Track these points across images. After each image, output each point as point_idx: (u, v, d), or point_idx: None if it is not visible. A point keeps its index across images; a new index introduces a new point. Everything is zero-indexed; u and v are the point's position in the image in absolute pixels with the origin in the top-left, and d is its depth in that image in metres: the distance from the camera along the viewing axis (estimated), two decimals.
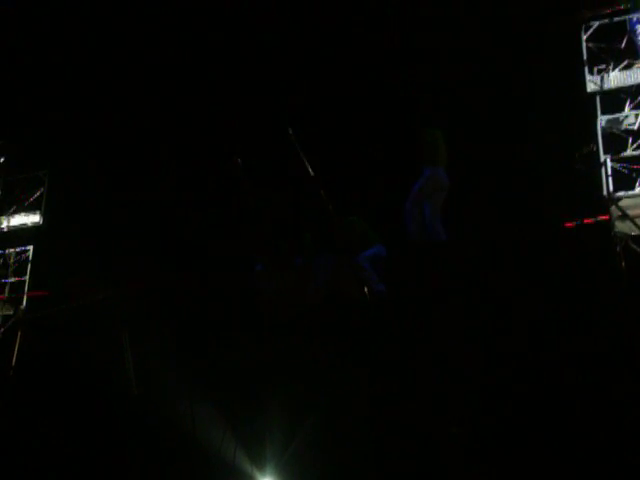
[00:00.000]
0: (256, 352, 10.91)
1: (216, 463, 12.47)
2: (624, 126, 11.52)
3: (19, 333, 13.09)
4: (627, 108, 11.51)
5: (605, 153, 11.32)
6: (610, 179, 11.21)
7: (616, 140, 11.48)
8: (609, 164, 11.24)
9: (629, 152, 11.35)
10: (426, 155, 12.02)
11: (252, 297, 11.64)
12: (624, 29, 11.72)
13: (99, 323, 13.23)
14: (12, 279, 13.08)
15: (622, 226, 11.27)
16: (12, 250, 13.19)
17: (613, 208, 11.18)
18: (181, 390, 12.80)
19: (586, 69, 11.68)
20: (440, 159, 11.99)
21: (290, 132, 12.04)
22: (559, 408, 11.13)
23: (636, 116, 11.44)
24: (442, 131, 12.11)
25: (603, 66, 11.63)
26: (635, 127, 11.42)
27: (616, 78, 11.54)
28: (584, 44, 11.78)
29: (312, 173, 12.03)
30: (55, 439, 12.92)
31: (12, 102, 13.72)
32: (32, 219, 13.21)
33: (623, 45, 11.64)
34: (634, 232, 11.23)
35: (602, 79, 11.57)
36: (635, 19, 11.61)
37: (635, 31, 11.59)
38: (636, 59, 11.55)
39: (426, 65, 12.75)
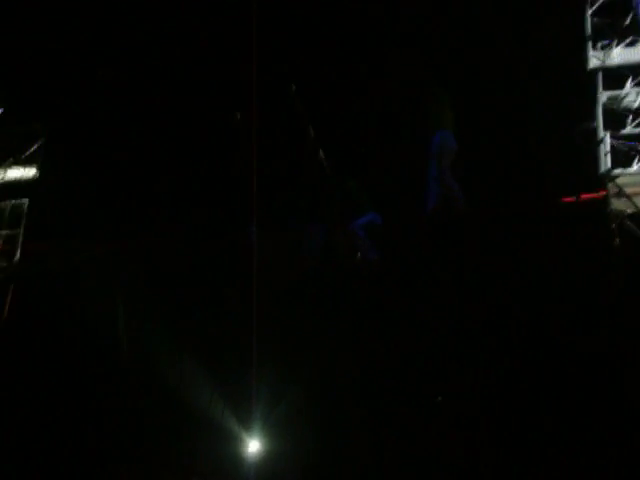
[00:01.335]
0: (247, 314, 10.90)
1: (204, 422, 12.55)
2: (624, 104, 11.48)
3: (11, 286, 13.05)
4: (629, 85, 11.46)
5: (604, 130, 11.28)
6: (608, 156, 11.18)
7: (616, 117, 11.45)
8: (608, 141, 11.21)
9: (629, 130, 11.31)
10: (433, 118, 11.93)
11: (245, 258, 11.62)
12: (630, 5, 11.64)
13: (93, 279, 13.23)
14: (6, 231, 13.02)
15: (618, 204, 11.25)
16: (7, 202, 13.13)
17: (610, 185, 11.16)
18: (171, 349, 12.86)
19: (589, 44, 11.61)
20: (446, 122, 11.91)
21: (293, 88, 11.99)
22: (545, 382, 11.22)
23: (637, 94, 11.39)
24: (449, 95, 12.05)
25: (607, 42, 11.56)
26: (635, 105, 11.38)
27: (619, 54, 11.47)
28: (588, 19, 11.72)
29: (312, 133, 12.01)
30: (44, 394, 12.97)
31: (9, 54, 13.60)
32: (28, 172, 13.15)
33: (628, 22, 11.56)
34: (630, 210, 11.21)
35: (605, 55, 11.51)
36: None
37: (639, 9, 11.52)
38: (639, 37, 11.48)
39: (426, 36, 12.67)
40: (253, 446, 12.08)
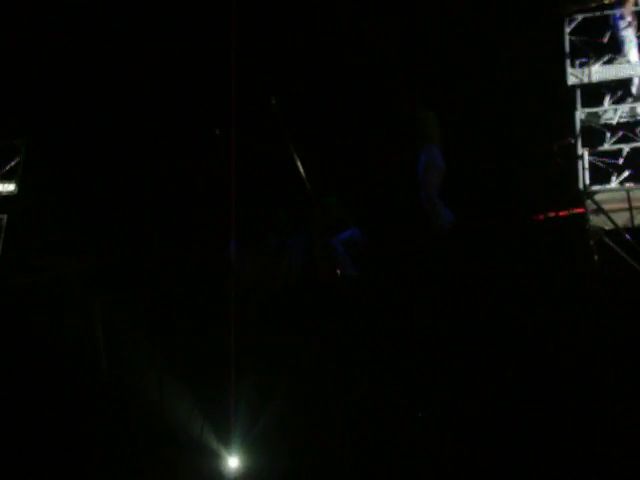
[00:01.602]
0: (226, 330, 10.88)
1: (183, 438, 12.51)
2: (603, 120, 11.56)
3: None
4: (607, 103, 11.54)
5: (583, 147, 11.35)
6: (587, 172, 11.24)
7: (594, 134, 11.52)
8: (586, 158, 11.27)
9: (607, 146, 11.38)
10: (419, 135, 11.98)
11: (225, 275, 11.61)
12: (607, 24, 11.73)
13: (72, 294, 13.19)
14: None
15: (597, 220, 11.32)
16: None
17: (588, 202, 11.22)
18: (150, 364, 12.82)
19: (568, 62, 11.69)
20: (433, 138, 11.95)
21: (273, 102, 11.98)
22: (528, 391, 11.26)
23: (615, 111, 11.47)
24: (435, 112, 12.10)
25: (585, 59, 11.64)
26: (614, 122, 11.45)
27: (598, 72, 11.55)
28: (567, 37, 11.79)
29: (293, 148, 12.00)
30: (22, 409, 12.90)
31: None
32: (7, 188, 13.10)
33: (606, 40, 11.65)
34: (608, 226, 11.27)
35: (583, 72, 11.58)
36: (618, 14, 11.63)
37: (618, 26, 11.61)
38: (618, 54, 11.56)
39: (409, 56, 12.74)
40: (233, 462, 12.04)
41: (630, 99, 11.50)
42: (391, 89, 12.72)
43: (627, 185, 11.13)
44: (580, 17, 11.82)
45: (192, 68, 13.37)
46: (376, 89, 13.05)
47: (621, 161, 11.16)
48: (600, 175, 11.23)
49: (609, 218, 11.24)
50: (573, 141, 11.48)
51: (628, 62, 11.50)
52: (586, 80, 11.57)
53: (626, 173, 11.11)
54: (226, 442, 12.02)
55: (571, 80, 11.64)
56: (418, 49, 12.97)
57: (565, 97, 11.63)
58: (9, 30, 13.72)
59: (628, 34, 11.56)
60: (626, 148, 11.22)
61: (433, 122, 12.01)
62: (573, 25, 11.81)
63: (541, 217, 11.70)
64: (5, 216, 13.02)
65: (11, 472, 12.57)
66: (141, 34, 13.55)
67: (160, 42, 13.58)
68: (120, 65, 13.57)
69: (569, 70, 11.64)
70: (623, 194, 11.20)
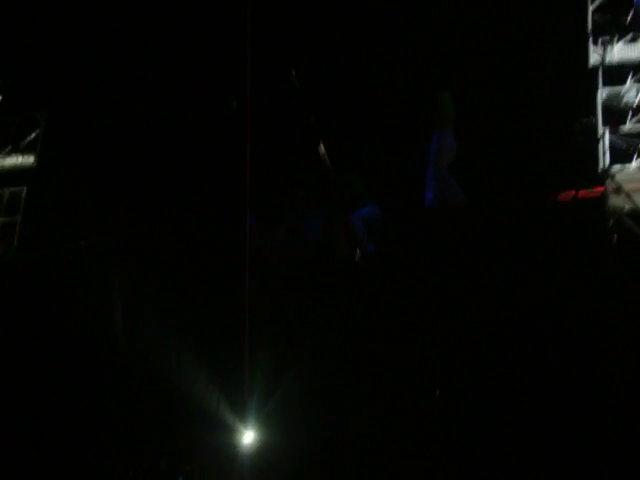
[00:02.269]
0: (243, 305, 10.90)
1: (199, 413, 12.55)
2: (624, 100, 11.48)
3: (8, 274, 13.06)
4: (629, 82, 11.46)
5: (603, 126, 11.29)
6: (607, 153, 11.19)
7: (616, 114, 11.45)
8: (607, 138, 11.22)
9: (628, 126, 11.32)
10: (434, 118, 11.97)
11: (242, 250, 11.61)
12: (631, 2, 11.64)
13: (90, 268, 13.23)
14: (3, 219, 13.02)
15: (616, 201, 11.26)
16: (5, 190, 13.12)
17: (608, 182, 11.17)
18: (167, 339, 12.86)
19: (590, 40, 11.61)
20: (448, 122, 11.95)
21: (293, 74, 11.94)
22: (542, 376, 11.23)
23: (637, 91, 11.39)
24: (450, 93, 12.06)
25: (608, 38, 11.56)
26: (635, 102, 11.38)
27: (620, 51, 11.48)
28: (590, 15, 11.71)
29: (313, 123, 11.97)
30: (39, 383, 12.97)
31: (9, 42, 13.59)
32: (27, 160, 13.14)
33: (629, 18, 11.56)
34: (628, 207, 11.22)
35: (606, 51, 11.50)
36: None
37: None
38: None
39: (427, 33, 12.67)
40: (248, 437, 12.07)
41: None
42: (409, 64, 12.65)
43: None
44: None
45: (210, 41, 13.33)
46: (396, 64, 12.98)
47: None
48: (621, 155, 11.18)
49: (630, 198, 11.19)
50: (594, 120, 11.43)
51: None
52: (608, 59, 11.50)
53: None
54: (242, 416, 12.05)
55: (593, 59, 11.57)
56: (438, 24, 12.89)
57: (587, 76, 11.57)
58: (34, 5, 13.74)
59: None
60: None
61: (447, 102, 11.99)
62: (596, 3, 11.73)
63: (560, 197, 11.65)
64: (24, 188, 13.08)
65: (27, 448, 12.67)
66: (159, 12, 13.54)
67: (178, 19, 13.57)
68: (139, 40, 13.55)
69: (591, 49, 11.57)
70: None
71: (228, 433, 12.34)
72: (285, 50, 12.74)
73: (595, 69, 11.55)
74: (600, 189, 11.28)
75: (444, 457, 11.05)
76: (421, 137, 12.19)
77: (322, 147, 12.01)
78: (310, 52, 13.02)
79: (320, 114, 12.24)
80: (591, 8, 11.71)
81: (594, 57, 11.54)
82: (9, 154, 13.31)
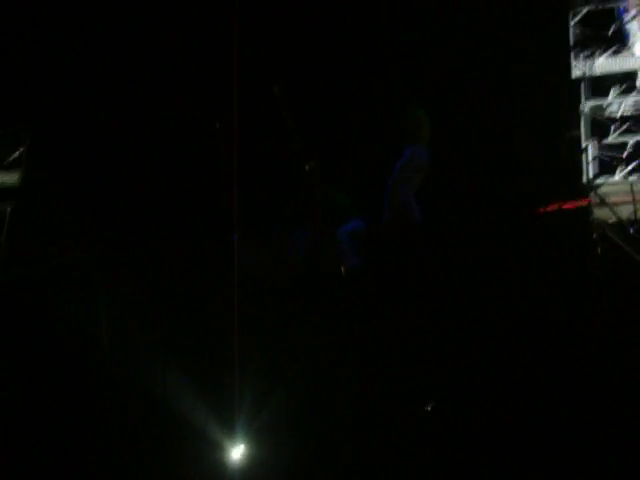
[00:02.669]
0: (230, 320, 10.90)
1: (187, 429, 12.51)
2: (607, 113, 11.56)
3: None
4: (611, 95, 11.53)
5: (587, 139, 11.36)
6: (591, 165, 11.25)
7: (599, 126, 11.52)
8: (591, 150, 11.28)
9: (612, 139, 11.39)
10: (408, 133, 12.03)
11: (228, 265, 11.61)
12: (613, 16, 11.73)
13: (75, 284, 13.18)
14: None
15: (600, 213, 11.33)
16: None
17: (592, 194, 11.23)
18: (154, 354, 12.81)
19: (573, 54, 11.68)
20: (422, 137, 12.00)
21: (276, 90, 11.94)
22: (532, 385, 11.28)
23: (619, 104, 11.47)
24: (425, 110, 12.12)
25: (590, 52, 11.63)
26: (618, 114, 11.46)
27: (602, 65, 11.56)
28: (572, 29, 11.79)
29: (298, 139, 11.98)
30: (24, 398, 12.90)
31: None
32: (11, 178, 13.07)
33: (611, 32, 11.64)
34: (612, 219, 11.28)
35: (588, 65, 11.58)
36: (622, 7, 11.63)
37: (622, 19, 11.62)
38: (623, 46, 11.56)
39: (409, 50, 12.74)
40: (237, 452, 12.05)
41: (635, 92, 11.49)
42: (389, 80, 12.70)
43: (631, 178, 11.15)
44: (585, 9, 11.81)
45: (194, 59, 13.35)
46: (378, 80, 13.03)
47: (625, 154, 11.18)
48: (604, 168, 11.25)
49: (613, 211, 11.25)
50: (578, 134, 11.50)
51: (633, 55, 11.50)
52: (591, 72, 11.57)
53: (630, 166, 11.12)
54: (230, 432, 12.03)
55: (576, 72, 11.64)
56: (420, 41, 12.95)
57: (570, 90, 11.63)
58: (15, 17, 13.68)
59: (633, 27, 11.57)
60: (631, 141, 11.24)
61: (423, 120, 12.05)
62: (578, 17, 11.81)
63: (545, 209, 11.70)
64: (9, 207, 13.01)
65: (14, 463, 12.58)
66: (143, 28, 13.53)
67: (162, 34, 13.56)
68: (124, 56, 13.54)
69: (574, 62, 11.64)
70: (627, 187, 11.22)
71: (217, 448, 12.31)
72: (270, 66, 12.75)
73: (578, 82, 11.62)
74: (584, 201, 11.34)
75: (436, 471, 11.08)
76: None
77: (308, 163, 12.03)
78: (295, 68, 13.05)
79: (306, 131, 12.25)
80: (573, 22, 11.78)
81: (577, 70, 11.60)
82: None
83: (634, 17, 11.57)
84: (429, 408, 11.51)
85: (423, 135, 12.02)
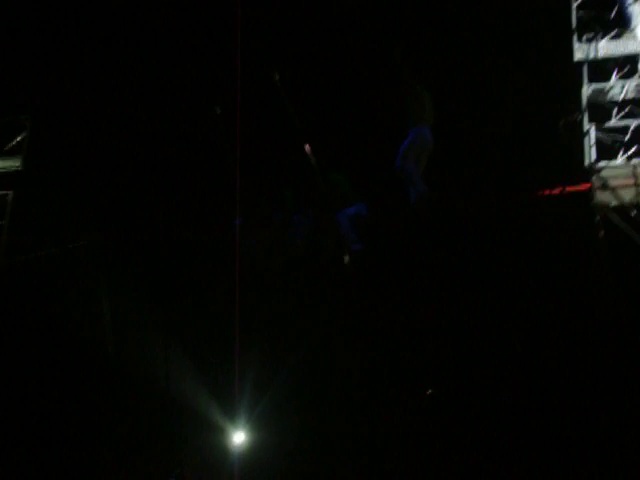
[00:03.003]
0: (232, 306, 10.91)
1: (189, 414, 12.57)
2: (609, 96, 11.50)
3: None
4: (614, 78, 11.47)
5: (589, 123, 11.31)
6: (593, 149, 11.20)
7: (601, 110, 11.46)
8: (592, 134, 11.23)
9: (613, 122, 11.34)
10: (411, 114, 12.00)
11: (230, 250, 11.62)
12: None
13: (78, 271, 13.22)
14: None
15: (603, 196, 11.28)
16: None
17: (594, 178, 11.19)
18: (157, 340, 12.85)
19: (575, 37, 11.62)
20: (425, 118, 11.97)
21: (276, 77, 11.92)
22: (533, 374, 11.29)
23: (622, 87, 11.40)
24: (429, 91, 12.09)
25: (592, 34, 11.56)
26: (620, 97, 11.40)
27: (604, 48, 11.48)
28: (574, 11, 11.71)
29: (298, 125, 11.96)
30: (27, 391, 12.96)
31: None
32: (13, 164, 13.09)
33: (613, 14, 11.57)
34: (614, 203, 11.24)
35: (590, 48, 11.51)
36: None
37: (625, 1, 11.53)
38: (625, 29, 11.48)
39: (412, 28, 12.69)
40: (239, 437, 12.11)
41: (637, 75, 11.42)
42: (393, 61, 12.63)
43: (634, 161, 11.10)
44: None
45: (195, 46, 13.34)
46: (379, 63, 12.98)
47: (628, 137, 11.12)
48: (607, 151, 11.20)
49: (615, 194, 11.20)
50: (579, 117, 11.44)
51: (635, 38, 11.42)
52: (593, 55, 11.50)
53: (633, 149, 11.07)
54: (232, 417, 12.08)
55: (578, 55, 11.57)
56: (421, 24, 12.90)
57: (572, 72, 11.58)
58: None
59: (635, 9, 11.48)
60: (633, 124, 11.18)
61: (428, 101, 12.02)
62: (579, 0, 11.74)
63: (547, 193, 11.67)
64: (11, 192, 13.04)
65: (17, 453, 12.66)
66: (145, 19, 13.53)
67: (164, 22, 13.55)
68: (125, 44, 13.54)
69: (576, 45, 11.57)
70: (629, 170, 11.15)
71: (219, 434, 12.37)
72: (270, 50, 12.74)
73: (580, 65, 11.55)
74: (586, 185, 11.30)
75: (437, 457, 11.11)
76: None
77: (308, 147, 12.01)
78: (295, 51, 13.02)
79: (306, 114, 12.23)
80: (575, 4, 11.70)
81: (578, 53, 11.52)
82: None
83: (637, 0, 11.49)
84: (430, 392, 11.55)
85: (426, 115, 11.98)
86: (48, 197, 13.20)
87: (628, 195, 11.34)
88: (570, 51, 11.57)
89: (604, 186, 11.21)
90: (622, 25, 11.52)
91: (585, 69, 11.50)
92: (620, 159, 11.14)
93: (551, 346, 11.44)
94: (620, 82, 11.42)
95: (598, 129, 11.25)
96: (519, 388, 11.38)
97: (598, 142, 11.20)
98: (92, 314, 13.16)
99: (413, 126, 11.97)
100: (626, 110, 11.29)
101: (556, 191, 11.61)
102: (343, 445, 11.66)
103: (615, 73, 11.47)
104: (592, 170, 11.18)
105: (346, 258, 12.09)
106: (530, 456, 11.07)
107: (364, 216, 12.39)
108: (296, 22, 13.14)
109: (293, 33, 13.10)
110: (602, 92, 11.49)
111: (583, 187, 11.37)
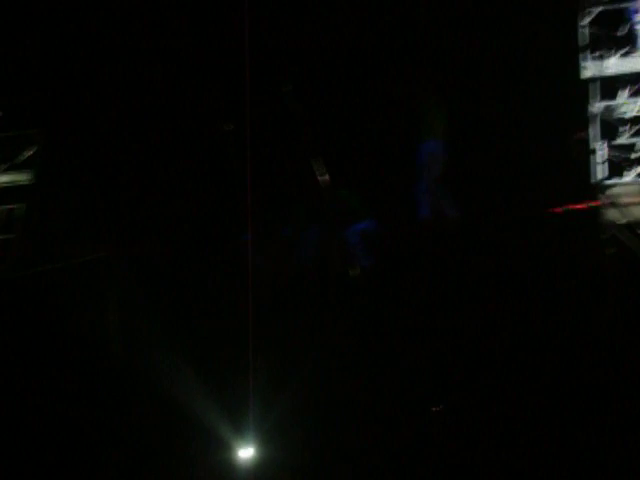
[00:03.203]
0: (243, 320, 10.95)
1: (198, 428, 12.56)
2: (617, 114, 11.55)
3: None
4: (622, 96, 11.52)
5: (596, 140, 11.36)
6: (602, 166, 11.25)
7: (609, 127, 11.52)
8: (600, 151, 11.28)
9: (622, 140, 11.38)
10: (424, 128, 12.06)
11: (239, 265, 11.67)
12: (624, 16, 11.71)
13: (87, 284, 13.25)
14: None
15: (610, 214, 11.32)
16: (2, 208, 13.13)
17: (602, 196, 11.24)
18: (165, 354, 12.87)
19: (585, 54, 11.67)
20: (438, 132, 12.02)
21: (287, 91, 11.97)
22: (537, 387, 11.29)
23: (630, 105, 11.45)
24: (441, 104, 12.14)
25: (599, 53, 11.62)
26: (629, 115, 11.45)
27: (613, 65, 11.54)
28: (582, 29, 11.77)
29: (309, 140, 12.01)
30: (35, 397, 12.97)
31: (6, 58, 13.61)
32: (24, 177, 13.16)
33: (622, 33, 11.63)
34: (621, 221, 11.28)
35: (598, 65, 11.57)
36: (633, 8, 11.62)
37: (633, 20, 11.61)
38: (634, 48, 11.55)
39: (423, 46, 12.75)
40: (248, 452, 12.09)
41: None
42: (403, 78, 12.69)
43: None
44: (597, 9, 11.79)
45: (205, 60, 13.38)
46: (389, 77, 13.03)
47: (637, 155, 11.17)
48: (614, 169, 11.25)
49: (623, 212, 11.25)
50: (588, 134, 11.49)
51: None
52: (602, 73, 11.56)
53: None
54: (241, 432, 12.07)
55: (587, 73, 11.63)
56: (430, 38, 12.94)
57: (580, 90, 11.62)
58: (24, 16, 13.76)
59: None
60: None
61: (440, 116, 12.07)
62: (589, 18, 11.79)
63: (555, 210, 11.71)
64: (21, 206, 13.10)
65: (21, 457, 12.67)
66: (153, 28, 13.57)
67: (173, 33, 13.60)
68: (133, 57, 13.58)
69: (583, 63, 11.63)
70: (637, 188, 11.22)
71: (227, 448, 12.36)
72: (281, 66, 12.79)
73: (587, 82, 11.61)
74: (594, 203, 11.34)
75: (445, 472, 11.12)
76: (415, 150, 12.26)
77: (319, 163, 12.07)
78: (306, 67, 13.06)
79: (317, 130, 12.28)
80: (583, 22, 11.76)
81: (588, 71, 11.58)
82: (6, 172, 13.30)
83: None
84: (440, 407, 11.55)
85: (440, 129, 12.04)
86: (58, 211, 13.25)
87: (636, 213, 11.39)
88: (577, 69, 11.62)
89: (612, 204, 11.26)
90: (631, 43, 11.58)
91: (592, 87, 11.56)
92: (628, 177, 11.19)
93: (558, 360, 11.44)
94: (629, 100, 11.47)
95: (606, 147, 11.30)
96: (526, 402, 11.38)
97: (606, 160, 11.25)
98: (101, 328, 13.17)
99: (424, 140, 12.02)
100: (635, 128, 11.33)
101: (564, 208, 11.64)
102: (355, 462, 11.65)
103: (622, 91, 11.51)
104: (601, 187, 11.23)
105: (355, 273, 12.13)
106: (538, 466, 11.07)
107: (373, 232, 12.43)
108: (308, 37, 13.18)
109: (305, 48, 13.14)
110: (610, 110, 11.55)
111: (591, 204, 11.40)
